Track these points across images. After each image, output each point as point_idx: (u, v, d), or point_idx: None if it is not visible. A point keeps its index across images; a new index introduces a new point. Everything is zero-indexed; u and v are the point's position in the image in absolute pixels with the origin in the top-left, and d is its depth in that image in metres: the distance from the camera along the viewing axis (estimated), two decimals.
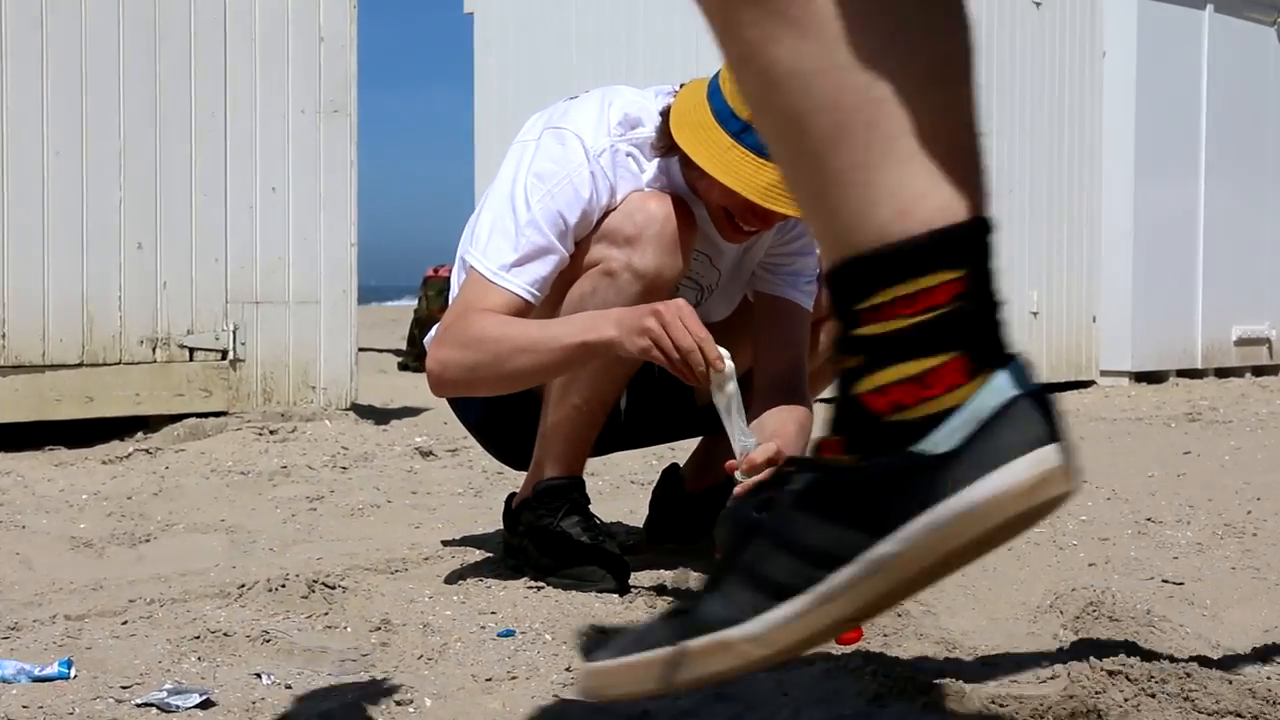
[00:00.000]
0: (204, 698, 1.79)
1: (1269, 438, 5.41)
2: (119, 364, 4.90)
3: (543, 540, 2.55)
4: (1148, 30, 8.80)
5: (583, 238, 2.43)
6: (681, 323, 2.18)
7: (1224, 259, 9.39)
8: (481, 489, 3.85)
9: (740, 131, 2.28)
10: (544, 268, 2.38)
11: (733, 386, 2.17)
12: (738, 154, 2.28)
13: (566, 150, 2.42)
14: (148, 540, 3.06)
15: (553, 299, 2.43)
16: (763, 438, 2.32)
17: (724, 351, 2.19)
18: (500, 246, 2.38)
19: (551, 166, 2.41)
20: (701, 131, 2.33)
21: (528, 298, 2.37)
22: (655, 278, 2.37)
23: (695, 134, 2.33)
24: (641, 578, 2.56)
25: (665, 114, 2.42)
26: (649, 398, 2.75)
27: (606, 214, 2.43)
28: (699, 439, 2.95)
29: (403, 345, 10.56)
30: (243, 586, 2.39)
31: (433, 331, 2.46)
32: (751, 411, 2.41)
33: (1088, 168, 8.77)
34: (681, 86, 2.46)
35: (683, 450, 3.16)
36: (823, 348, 2.78)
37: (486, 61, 8.72)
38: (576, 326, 2.30)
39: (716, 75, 2.36)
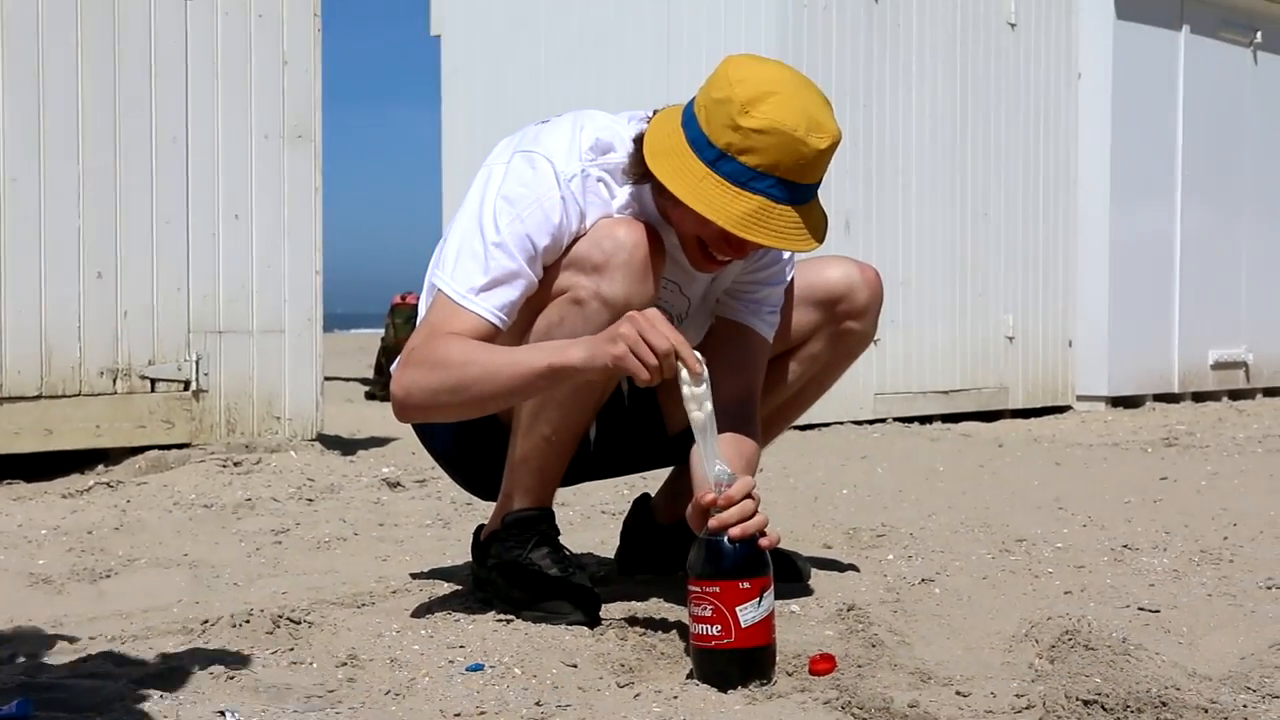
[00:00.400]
0: None
1: (1246, 463, 5.45)
2: (79, 395, 4.89)
3: (512, 573, 2.56)
4: (1123, 52, 8.88)
5: (551, 264, 2.44)
6: (657, 327, 2.16)
7: (1200, 282, 9.46)
8: (450, 520, 3.85)
9: (716, 160, 2.29)
10: (512, 292, 2.38)
11: (710, 402, 2.17)
12: (713, 183, 2.29)
13: (537, 174, 2.42)
14: (109, 576, 3.06)
15: (520, 326, 2.44)
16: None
17: (700, 357, 2.18)
18: (468, 269, 2.38)
19: (521, 190, 2.41)
20: (676, 159, 2.33)
21: (495, 322, 2.36)
22: (624, 306, 2.37)
23: (670, 162, 2.34)
24: (613, 609, 2.56)
25: (638, 141, 2.43)
26: (619, 427, 2.76)
27: (576, 239, 2.44)
28: (670, 469, 2.96)
29: (370, 374, 10.54)
30: (206, 622, 2.39)
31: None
32: None
33: (1063, 190, 8.83)
34: (655, 113, 2.48)
35: (654, 480, 3.17)
36: (791, 378, 2.79)
37: (454, 84, 8.74)
38: (544, 351, 2.29)
39: (691, 103, 2.37)
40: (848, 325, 2.78)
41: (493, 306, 2.36)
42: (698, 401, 2.16)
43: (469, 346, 2.32)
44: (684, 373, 2.15)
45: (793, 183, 2.28)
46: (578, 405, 2.49)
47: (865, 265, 2.82)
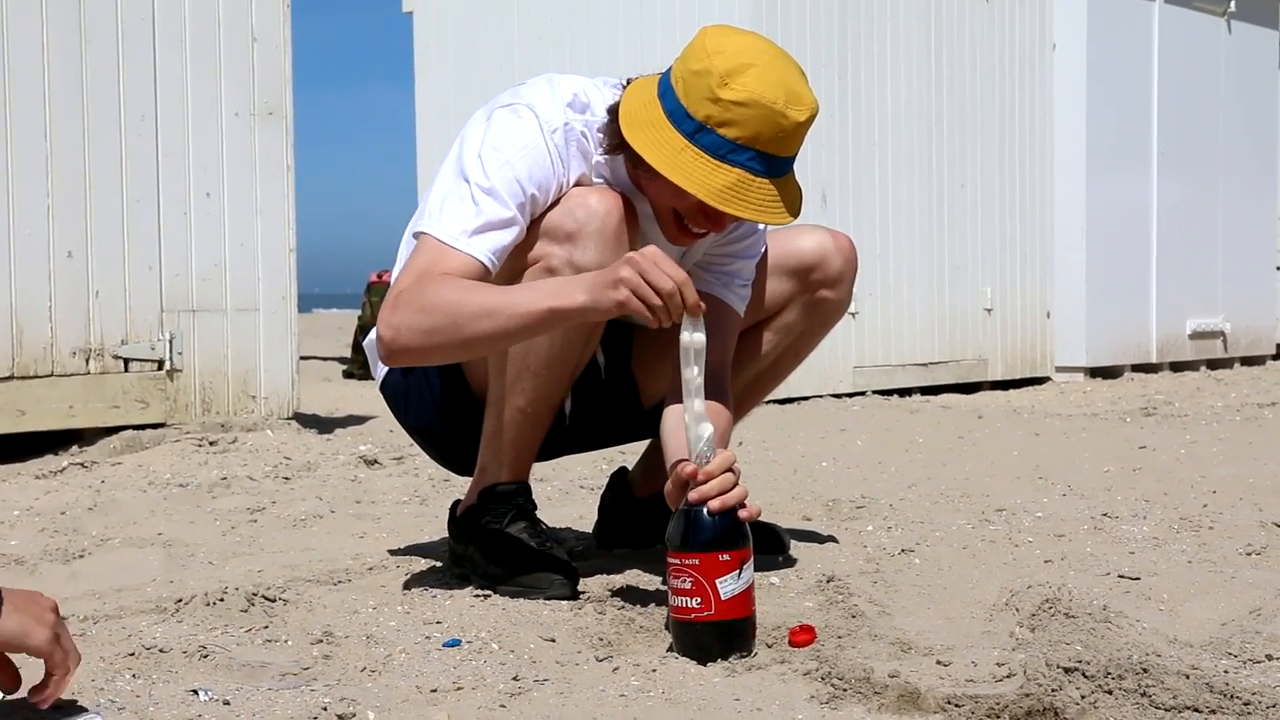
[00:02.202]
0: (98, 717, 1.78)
1: (1224, 431, 5.46)
2: (51, 376, 4.85)
3: (489, 547, 2.54)
4: (1098, 22, 8.87)
5: (530, 224, 2.40)
6: (659, 266, 2.11)
7: (1177, 252, 9.49)
8: (427, 497, 3.83)
9: (694, 132, 2.27)
10: (505, 236, 2.33)
11: (703, 340, 2.13)
12: (691, 155, 2.27)
13: (523, 122, 2.39)
14: (82, 556, 3.02)
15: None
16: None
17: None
18: (457, 213, 2.32)
19: (508, 137, 2.38)
20: (653, 131, 2.31)
21: (488, 264, 2.30)
22: None
23: (647, 134, 2.31)
24: (591, 583, 2.55)
25: (613, 111, 2.40)
26: (594, 400, 2.74)
27: (561, 193, 2.41)
28: (647, 442, 2.94)
29: (347, 353, 10.51)
30: (180, 601, 2.36)
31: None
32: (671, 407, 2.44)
33: (1040, 162, 8.83)
34: (629, 82, 2.45)
35: (632, 454, 3.15)
36: (766, 348, 2.77)
37: (426, 60, 8.69)
38: (544, 291, 2.22)
39: (667, 73, 2.34)
40: (822, 294, 2.76)
41: (486, 249, 2.30)
42: (694, 340, 2.12)
43: (462, 286, 2.24)
44: (685, 319, 2.11)
45: (771, 155, 2.26)
46: (552, 376, 2.47)
47: (839, 233, 2.80)
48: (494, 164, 2.35)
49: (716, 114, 2.24)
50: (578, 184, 2.44)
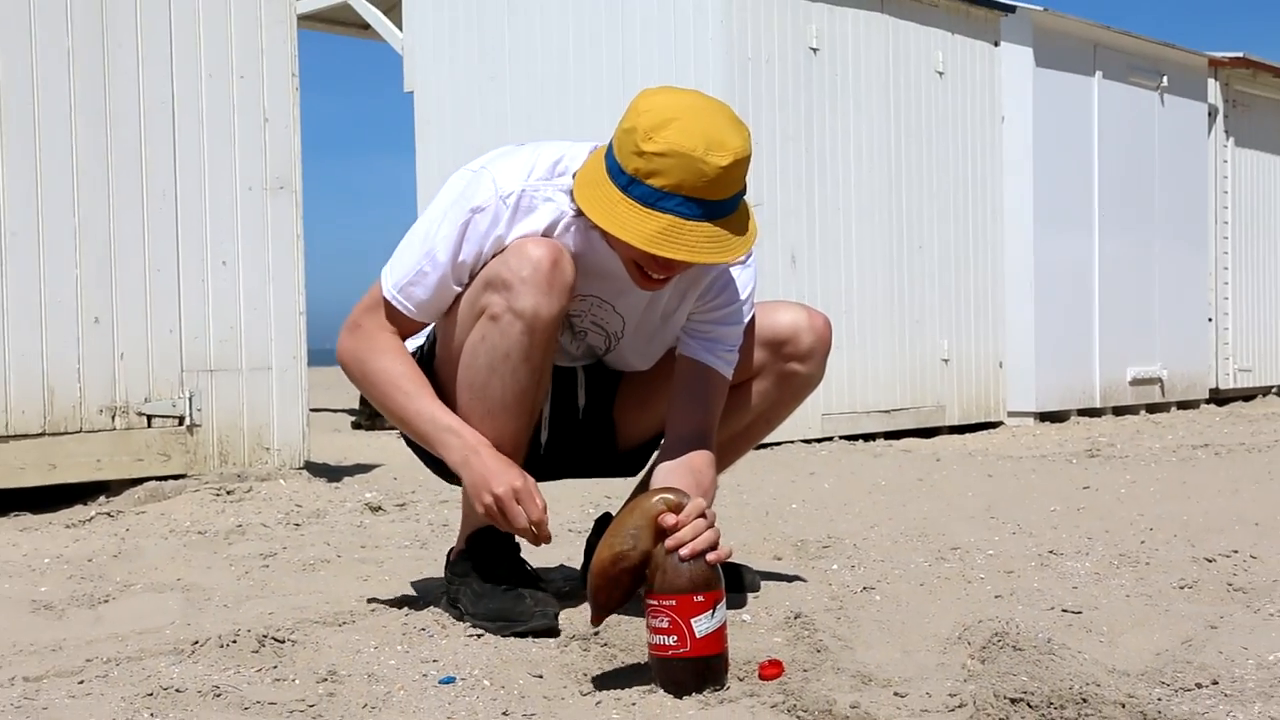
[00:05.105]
0: None
1: (1161, 471, 5.47)
2: (80, 432, 4.84)
3: (475, 588, 2.55)
4: (1043, 96, 8.95)
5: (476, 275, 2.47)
6: (521, 503, 2.37)
7: (1118, 306, 9.53)
8: (427, 541, 3.82)
9: (627, 185, 2.29)
10: (436, 290, 2.49)
11: None
12: (626, 206, 2.29)
13: (478, 185, 2.46)
14: (106, 601, 3.01)
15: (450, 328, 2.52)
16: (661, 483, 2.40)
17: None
18: (402, 264, 2.51)
19: (461, 198, 2.47)
20: (595, 189, 2.34)
21: (411, 316, 2.52)
22: (534, 317, 2.40)
23: (590, 191, 2.35)
24: (577, 622, 2.54)
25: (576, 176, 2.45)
26: (570, 437, 2.75)
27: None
28: (626, 481, 2.95)
29: (355, 405, 10.48)
30: (195, 643, 2.36)
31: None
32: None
33: (991, 224, 8.88)
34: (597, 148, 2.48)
35: (617, 498, 3.15)
36: (740, 412, 2.77)
37: (426, 135, 8.73)
38: (442, 433, 2.46)
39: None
40: (793, 366, 2.76)
41: (412, 303, 2.50)
42: None
43: (394, 373, 2.50)
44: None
45: (701, 199, 2.26)
46: (510, 416, 2.49)
47: (815, 312, 2.79)
48: (439, 222, 2.48)
49: (643, 166, 2.26)
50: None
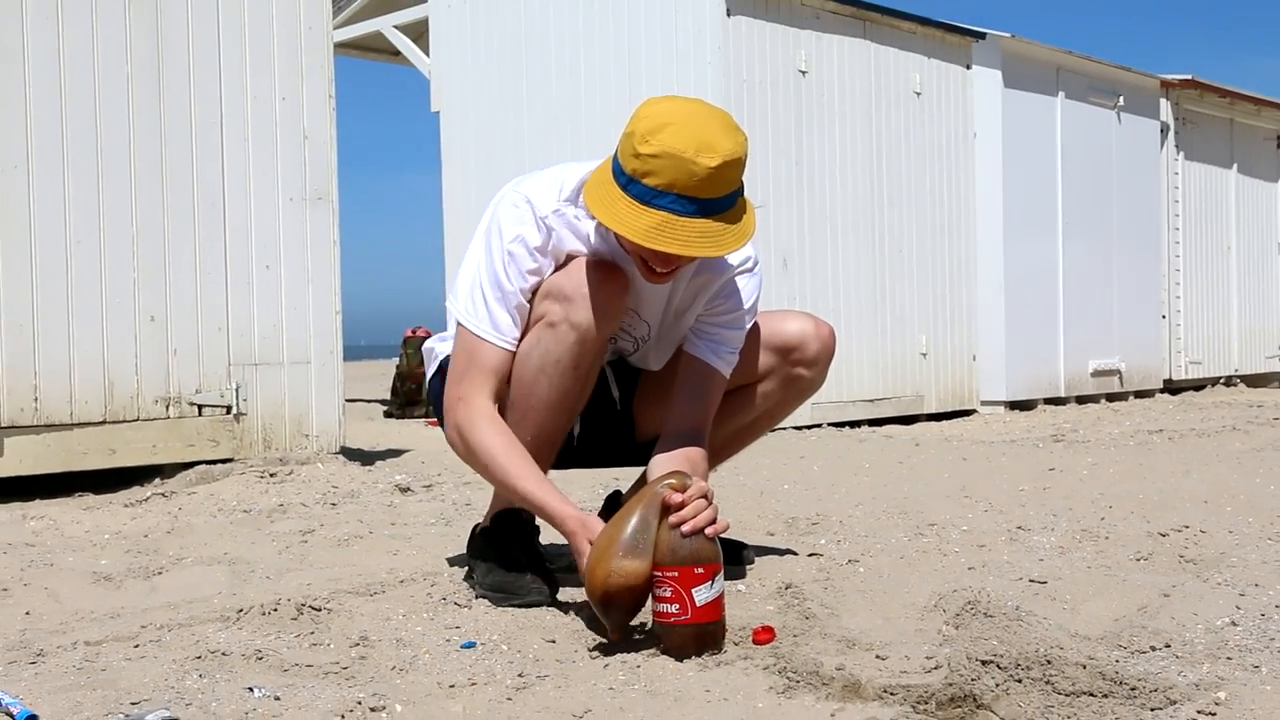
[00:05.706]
0: (167, 714, 1.75)
1: (1120, 454, 5.45)
2: (137, 420, 4.83)
3: (489, 562, 2.55)
4: (1011, 115, 8.93)
5: (537, 290, 2.43)
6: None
7: (1080, 305, 9.51)
8: (452, 519, 3.81)
9: (626, 184, 2.27)
10: (517, 313, 2.42)
11: None
12: (624, 203, 2.27)
13: (520, 212, 2.43)
14: (160, 573, 3.01)
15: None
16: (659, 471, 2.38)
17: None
18: (479, 304, 2.43)
19: (510, 227, 2.42)
20: (600, 188, 2.32)
21: (509, 347, 2.42)
22: (587, 330, 2.38)
23: (595, 190, 2.33)
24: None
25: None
26: (601, 429, 2.74)
27: (556, 266, 2.43)
28: (639, 471, 2.93)
29: (386, 395, 10.48)
30: (240, 611, 2.35)
31: (447, 383, 2.48)
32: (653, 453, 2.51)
33: (964, 231, 8.86)
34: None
35: (625, 479, 3.14)
36: (747, 409, 2.75)
37: (452, 152, 8.71)
38: (548, 506, 2.34)
39: None
40: (798, 371, 2.74)
41: (504, 336, 2.42)
42: None
43: (497, 446, 2.38)
44: None
45: (694, 198, 2.24)
46: (553, 415, 2.47)
47: (822, 322, 2.76)
48: (499, 254, 2.42)
49: (639, 166, 2.24)
50: (570, 256, 2.45)
